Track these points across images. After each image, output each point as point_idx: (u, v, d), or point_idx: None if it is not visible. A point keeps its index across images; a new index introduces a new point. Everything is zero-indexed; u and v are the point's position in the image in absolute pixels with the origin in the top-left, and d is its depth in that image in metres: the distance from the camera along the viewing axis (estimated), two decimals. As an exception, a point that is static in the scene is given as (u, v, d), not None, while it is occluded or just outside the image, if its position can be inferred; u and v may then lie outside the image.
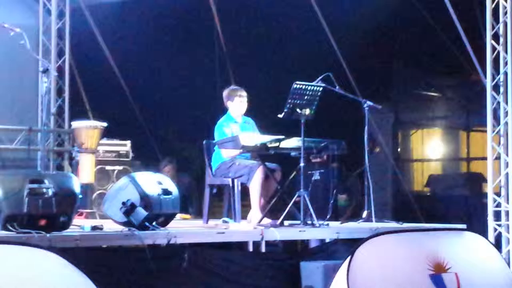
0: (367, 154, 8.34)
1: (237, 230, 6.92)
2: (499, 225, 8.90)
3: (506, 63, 8.97)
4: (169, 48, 12.00)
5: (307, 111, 7.45)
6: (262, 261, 6.52)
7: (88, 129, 9.08)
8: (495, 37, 9.07)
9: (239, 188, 7.73)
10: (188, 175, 10.98)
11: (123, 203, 6.07)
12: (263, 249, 6.59)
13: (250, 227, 7.09)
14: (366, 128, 8.29)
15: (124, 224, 6.11)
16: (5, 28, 6.87)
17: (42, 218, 5.53)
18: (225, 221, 7.89)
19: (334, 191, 7.88)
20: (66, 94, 11.51)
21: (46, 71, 6.80)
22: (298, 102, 7.43)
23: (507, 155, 8.93)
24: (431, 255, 6.19)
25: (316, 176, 7.35)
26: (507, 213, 8.88)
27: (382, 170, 12.77)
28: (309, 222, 7.19)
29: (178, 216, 7.04)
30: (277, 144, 7.51)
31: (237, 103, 8.13)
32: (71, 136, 10.15)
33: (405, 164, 14.90)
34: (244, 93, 8.18)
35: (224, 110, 8.22)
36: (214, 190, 8.21)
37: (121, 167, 9.48)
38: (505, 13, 8.97)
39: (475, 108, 12.78)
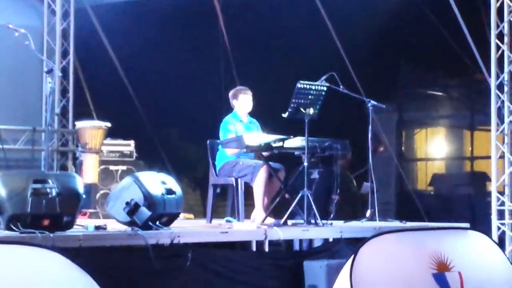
0: (371, 154, 8.36)
1: (241, 229, 6.92)
2: (503, 224, 8.90)
3: (510, 62, 8.98)
4: (173, 48, 12.01)
5: (311, 111, 7.45)
6: (265, 260, 6.52)
7: (91, 129, 9.10)
8: (500, 36, 9.07)
9: (243, 187, 7.73)
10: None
11: (127, 203, 6.07)
12: (266, 249, 6.59)
13: (254, 227, 7.09)
14: (370, 127, 8.31)
15: (127, 223, 6.11)
16: (10, 28, 6.86)
17: (46, 218, 5.52)
18: (228, 221, 7.89)
19: (338, 190, 7.86)
20: (70, 95, 11.53)
21: (50, 71, 6.77)
22: (302, 101, 7.43)
23: (511, 154, 8.93)
24: (434, 254, 6.20)
25: (315, 175, 7.33)
26: (511, 212, 8.87)
27: (386, 169, 12.76)
28: (313, 221, 7.20)
29: (182, 215, 7.04)
30: (281, 143, 7.52)
31: (242, 101, 8.14)
32: (75, 136, 10.17)
33: (409, 163, 14.89)
34: (249, 92, 8.20)
35: (229, 111, 8.24)
36: (218, 190, 8.22)
37: (124, 167, 9.49)
38: (510, 12, 8.97)
39: (479, 107, 12.78)
